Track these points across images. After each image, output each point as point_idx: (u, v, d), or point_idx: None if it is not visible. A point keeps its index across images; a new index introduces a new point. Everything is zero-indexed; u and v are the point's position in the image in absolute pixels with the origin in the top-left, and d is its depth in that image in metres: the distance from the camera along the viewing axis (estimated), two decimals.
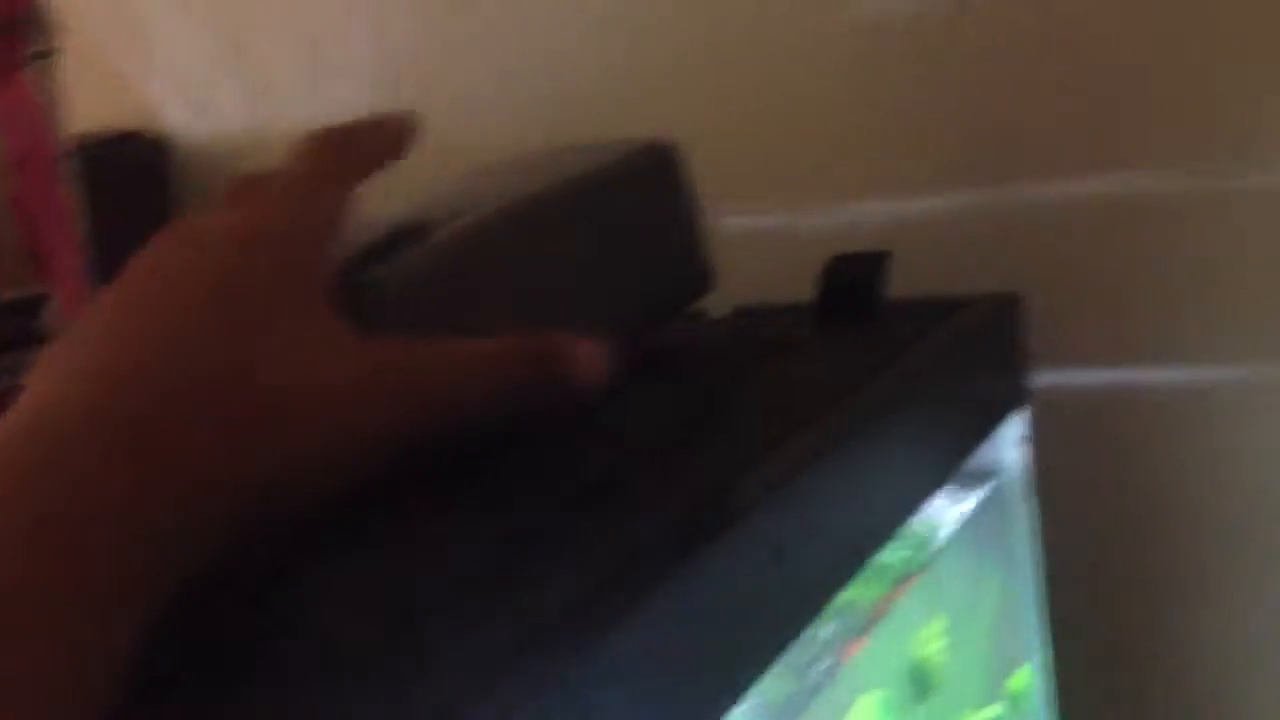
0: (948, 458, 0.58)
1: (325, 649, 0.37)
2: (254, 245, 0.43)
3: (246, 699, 0.35)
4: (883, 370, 0.55)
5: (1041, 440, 0.65)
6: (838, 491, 0.50)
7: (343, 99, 0.91)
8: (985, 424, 0.61)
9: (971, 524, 0.63)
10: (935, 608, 0.63)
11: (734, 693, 0.44)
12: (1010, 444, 0.64)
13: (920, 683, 0.63)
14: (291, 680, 0.36)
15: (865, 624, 0.57)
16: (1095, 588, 0.74)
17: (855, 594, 0.57)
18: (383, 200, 0.52)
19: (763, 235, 0.75)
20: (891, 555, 0.59)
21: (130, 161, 1.05)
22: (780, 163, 0.76)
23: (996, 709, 0.67)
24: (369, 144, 0.51)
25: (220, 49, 0.98)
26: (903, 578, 0.60)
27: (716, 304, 0.62)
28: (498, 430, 0.48)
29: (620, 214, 0.55)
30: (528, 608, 0.37)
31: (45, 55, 0.62)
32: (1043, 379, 0.67)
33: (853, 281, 0.63)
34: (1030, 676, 0.70)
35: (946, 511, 0.61)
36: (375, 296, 0.46)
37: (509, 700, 0.34)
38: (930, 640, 0.63)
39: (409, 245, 0.49)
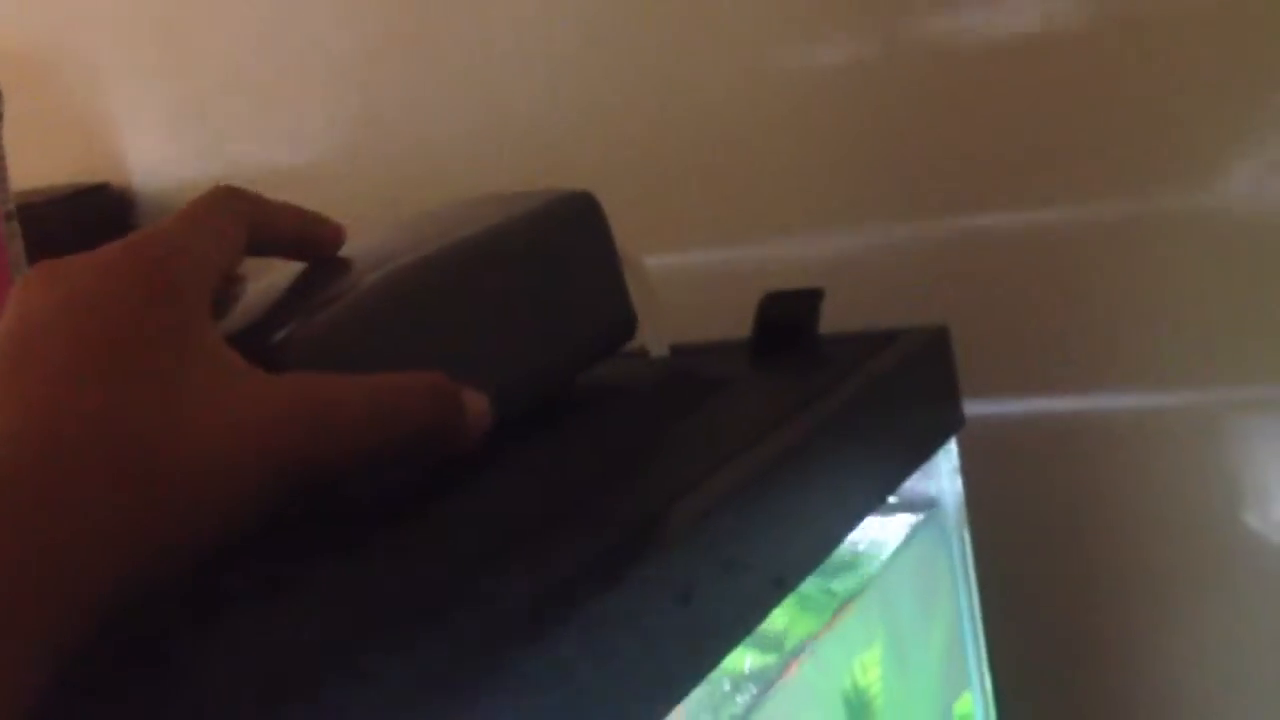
0: (877, 488, 0.60)
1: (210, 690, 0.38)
2: (120, 271, 0.40)
3: None
4: (814, 403, 0.56)
5: (972, 469, 0.66)
6: (756, 526, 0.51)
7: (297, 150, 0.93)
8: (917, 455, 0.63)
9: (911, 552, 0.64)
10: (874, 636, 0.64)
11: None
12: (945, 473, 0.65)
13: (858, 713, 0.64)
14: None
15: (795, 654, 0.58)
16: (1031, 614, 0.75)
17: (784, 623, 0.59)
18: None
19: (699, 271, 0.77)
20: (823, 584, 0.60)
21: (98, 212, 1.07)
22: (714, 199, 0.78)
23: None
24: (285, 217, 0.50)
25: (182, 103, 1.00)
26: (838, 607, 0.61)
27: (654, 340, 0.63)
28: (408, 471, 0.49)
29: (543, 259, 0.56)
30: (425, 652, 0.38)
31: None
32: (973, 408, 0.68)
33: (786, 318, 0.64)
34: (972, 704, 0.71)
35: (884, 541, 0.63)
36: (286, 351, 0.46)
37: None
38: (868, 668, 0.65)
39: (325, 296, 0.49)
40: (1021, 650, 0.74)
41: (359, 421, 0.43)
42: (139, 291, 0.40)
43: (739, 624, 0.50)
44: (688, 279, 0.77)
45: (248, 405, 0.40)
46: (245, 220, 0.47)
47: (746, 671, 0.55)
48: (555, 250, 0.57)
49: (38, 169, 0.93)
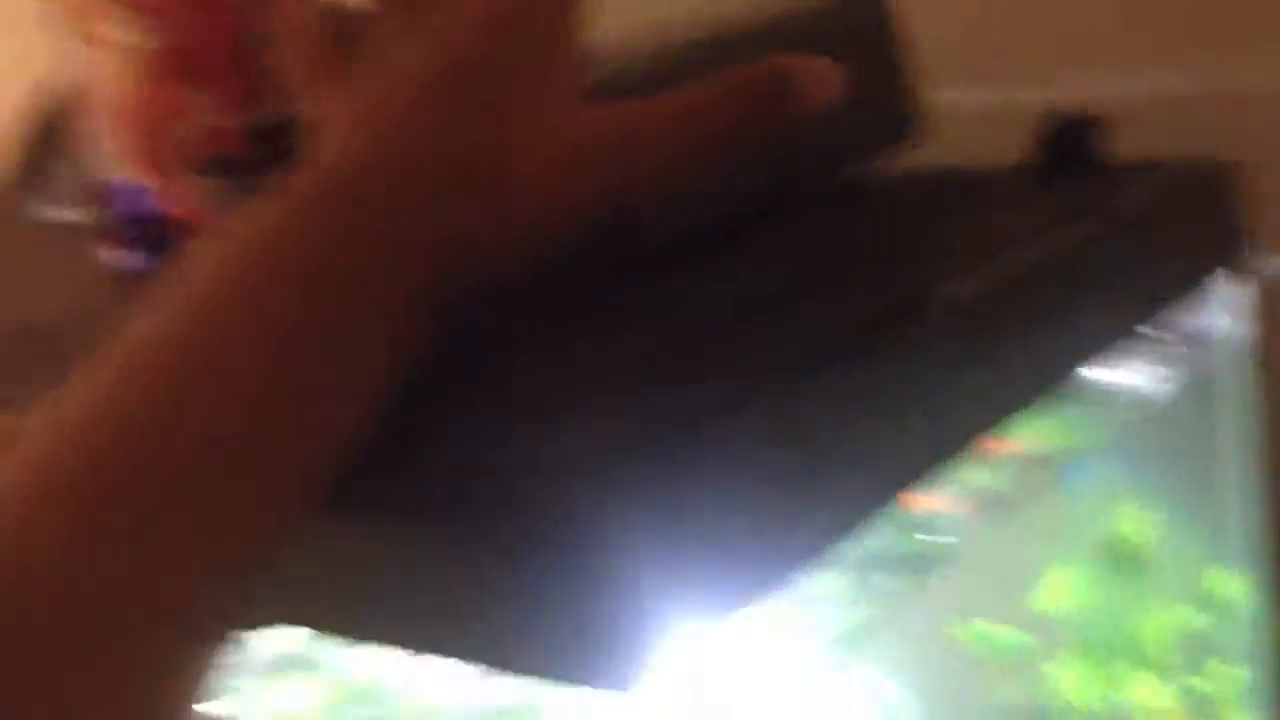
0: (1142, 311, 0.56)
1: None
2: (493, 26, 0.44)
3: None
4: (1084, 214, 0.54)
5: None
6: (1013, 324, 0.49)
7: None
8: (1189, 286, 0.58)
9: (1179, 397, 0.60)
10: (1138, 481, 0.60)
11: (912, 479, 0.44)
12: (1223, 314, 0.61)
13: (1119, 562, 0.60)
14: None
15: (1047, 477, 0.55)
16: None
17: (1037, 440, 0.55)
18: None
19: (977, 108, 0.73)
20: (1081, 411, 0.56)
21: None
22: (997, 35, 0.74)
23: (1200, 617, 0.63)
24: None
25: None
26: (1090, 443, 0.58)
27: None
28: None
29: (825, 48, 0.56)
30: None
31: None
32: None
33: (1068, 138, 0.61)
34: (1242, 585, 0.65)
35: (1146, 379, 0.59)
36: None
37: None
38: (1130, 519, 0.61)
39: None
40: None
41: (675, 137, 0.44)
42: (506, 46, 0.43)
43: (983, 419, 0.48)
44: (964, 114, 0.74)
45: (572, 133, 0.43)
46: None
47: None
48: (843, 39, 0.56)
49: None
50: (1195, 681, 0.61)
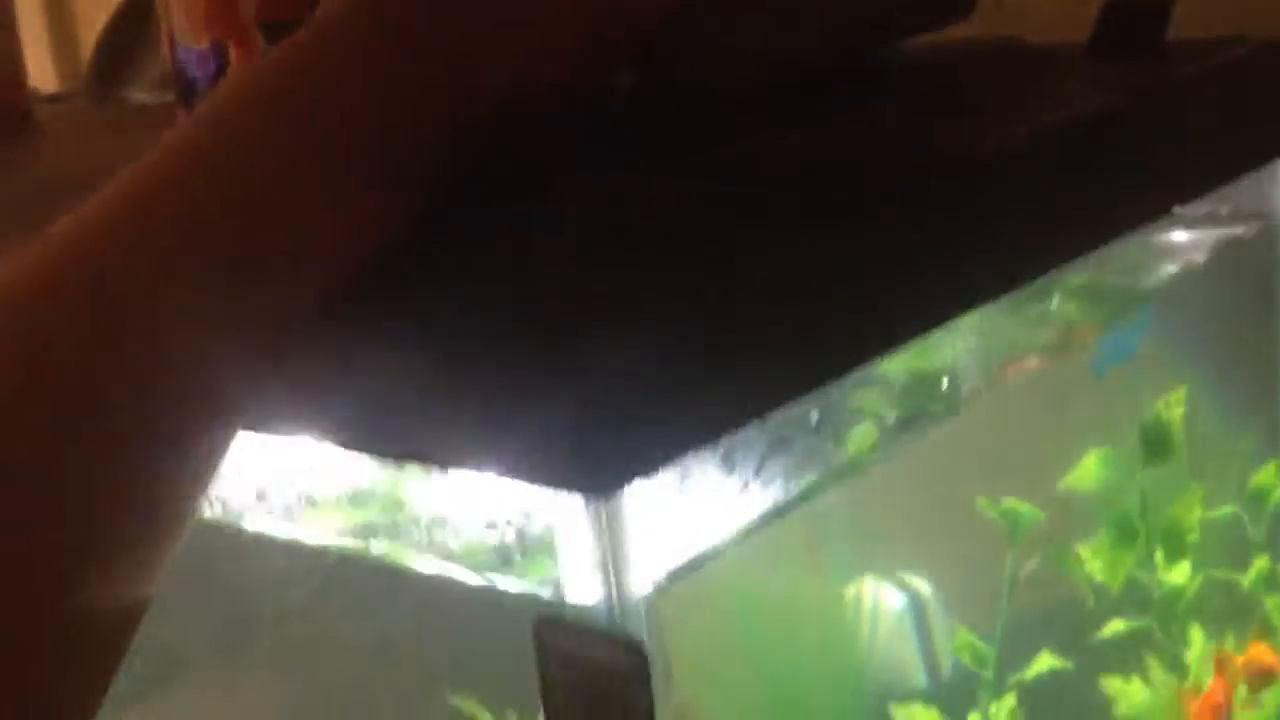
0: (1200, 181, 0.55)
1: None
2: None
3: None
4: (1148, 81, 0.53)
5: None
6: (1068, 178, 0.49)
7: None
8: (1249, 161, 0.57)
9: (1231, 272, 0.58)
10: (1180, 365, 0.60)
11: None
12: None
13: (1154, 447, 0.60)
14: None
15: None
16: None
17: (1080, 313, 0.55)
18: None
19: None
20: (1125, 280, 0.56)
21: None
22: None
23: (1231, 506, 0.62)
24: None
25: None
26: (1134, 317, 0.57)
27: None
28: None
29: None
30: None
31: None
32: None
33: (1128, 20, 0.60)
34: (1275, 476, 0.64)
35: (1197, 252, 0.57)
36: None
37: None
38: (1171, 405, 0.60)
39: None
40: None
41: None
42: None
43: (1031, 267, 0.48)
44: None
45: None
46: None
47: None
48: None
49: None
50: (1224, 572, 0.61)
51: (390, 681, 0.70)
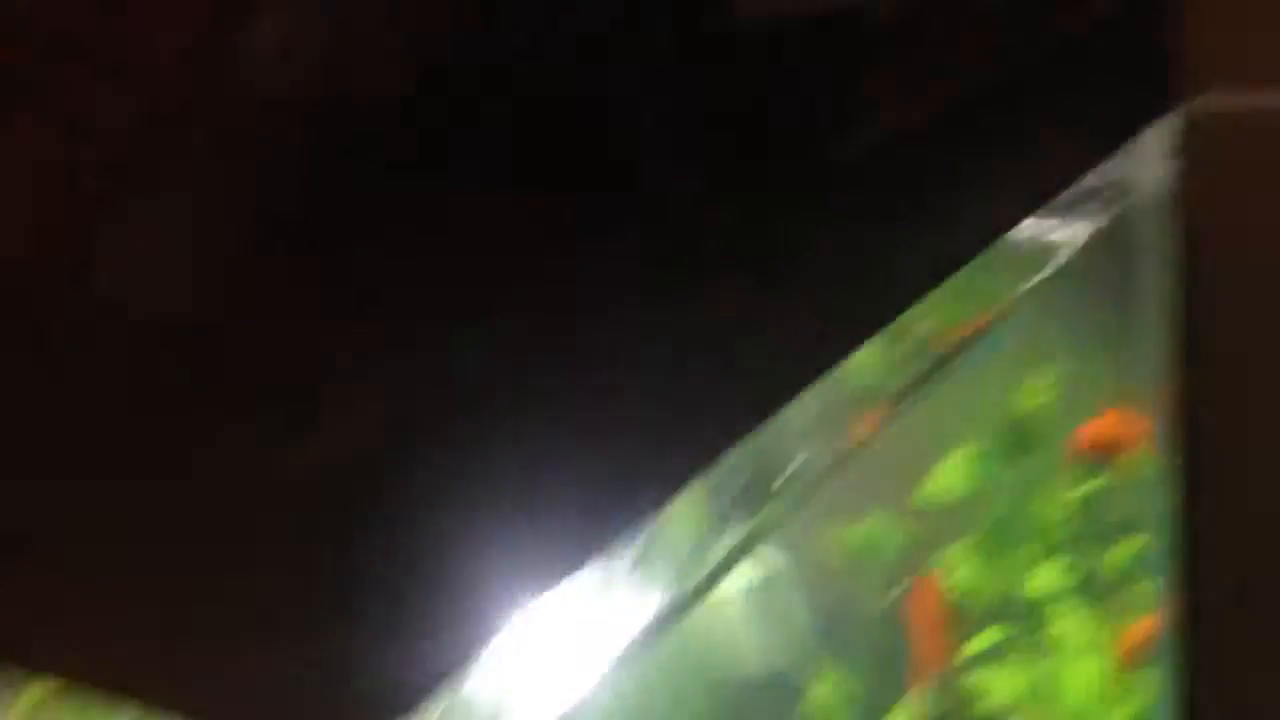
0: (1065, 164, 0.49)
1: None
2: None
3: None
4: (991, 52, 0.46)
5: (1196, 169, 0.54)
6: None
7: None
8: (1114, 136, 0.51)
9: (1094, 253, 0.53)
10: (1042, 351, 0.54)
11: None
12: (1147, 162, 0.53)
13: (1019, 439, 0.54)
14: None
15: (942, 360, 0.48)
16: (1239, 345, 0.63)
17: (938, 319, 0.48)
18: None
19: None
20: (984, 276, 0.49)
21: None
22: None
23: (1100, 479, 0.57)
24: None
25: None
26: (999, 307, 0.50)
27: None
28: None
29: None
30: None
31: None
32: (1205, 100, 0.55)
33: None
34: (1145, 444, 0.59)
35: (1060, 234, 0.51)
36: None
37: None
38: (1033, 392, 0.54)
39: None
40: (1219, 393, 0.62)
41: None
42: None
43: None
44: None
45: None
46: None
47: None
48: None
49: None
50: (1094, 560, 0.56)
51: None
